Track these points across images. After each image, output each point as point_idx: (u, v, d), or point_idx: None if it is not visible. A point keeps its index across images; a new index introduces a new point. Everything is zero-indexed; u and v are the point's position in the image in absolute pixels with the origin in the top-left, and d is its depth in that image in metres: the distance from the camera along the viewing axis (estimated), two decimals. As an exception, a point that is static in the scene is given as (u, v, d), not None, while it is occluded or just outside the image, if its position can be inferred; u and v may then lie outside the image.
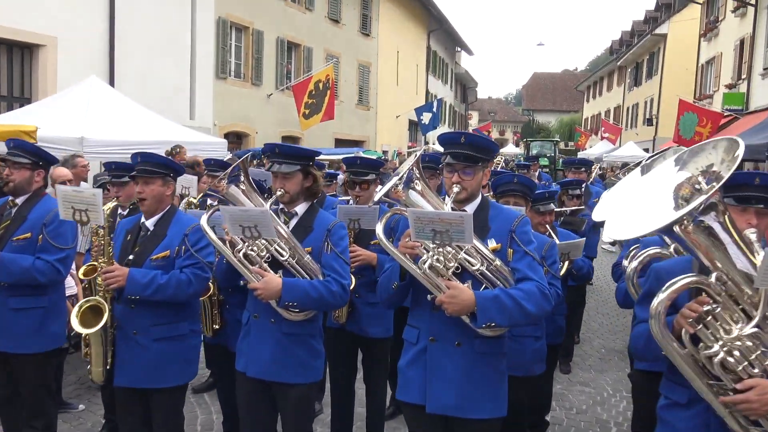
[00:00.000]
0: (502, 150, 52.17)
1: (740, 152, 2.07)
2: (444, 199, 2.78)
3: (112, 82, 14.07)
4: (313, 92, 19.24)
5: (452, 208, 2.76)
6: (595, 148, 37.77)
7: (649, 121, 34.07)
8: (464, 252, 2.68)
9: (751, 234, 2.09)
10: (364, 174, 4.17)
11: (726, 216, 2.10)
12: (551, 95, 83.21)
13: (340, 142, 24.33)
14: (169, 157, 4.12)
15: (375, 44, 26.92)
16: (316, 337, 3.32)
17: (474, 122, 70.34)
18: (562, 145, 58.57)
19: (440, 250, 2.62)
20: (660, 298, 2.13)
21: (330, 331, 4.05)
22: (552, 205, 4.58)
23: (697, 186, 2.18)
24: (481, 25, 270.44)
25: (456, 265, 2.66)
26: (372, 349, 4.24)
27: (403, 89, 30.66)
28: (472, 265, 2.67)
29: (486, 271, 2.71)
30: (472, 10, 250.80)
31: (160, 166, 3.46)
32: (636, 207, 2.30)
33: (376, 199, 2.90)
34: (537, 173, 11.86)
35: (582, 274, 4.92)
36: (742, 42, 21.60)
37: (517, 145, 52.02)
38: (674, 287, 2.13)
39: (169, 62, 15.79)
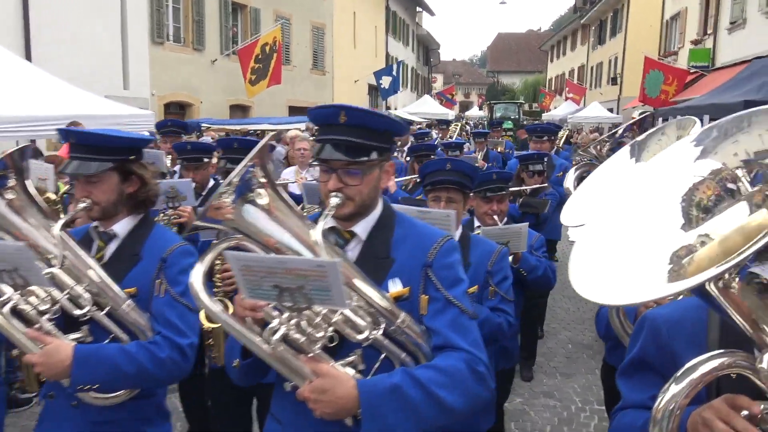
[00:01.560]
0: (467, 113, 51.14)
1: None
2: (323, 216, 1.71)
3: (28, 50, 12.66)
4: (260, 56, 17.93)
5: (330, 234, 1.84)
6: (559, 109, 37.13)
7: (613, 80, 33.39)
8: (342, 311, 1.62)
9: None
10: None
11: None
12: (515, 56, 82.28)
13: (294, 110, 23.02)
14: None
15: (330, 5, 25.44)
16: (153, 419, 2.25)
17: (439, 85, 69.10)
18: (526, 107, 58.08)
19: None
20: (673, 392, 1.19)
21: (215, 374, 3.06)
22: (503, 192, 3.63)
23: (733, 186, 1.24)
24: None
25: (330, 333, 1.61)
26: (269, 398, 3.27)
27: (362, 52, 29.31)
28: (358, 332, 1.62)
29: (382, 338, 1.68)
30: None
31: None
32: (629, 233, 1.32)
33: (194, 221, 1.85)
34: (502, 143, 10.88)
35: (535, 279, 3.69)
36: (708, -5, 20.83)
37: (480, 108, 51.05)
38: (698, 373, 1.19)
39: (96, 27, 14.29)
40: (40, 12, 12.68)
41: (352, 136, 1.74)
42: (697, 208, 1.28)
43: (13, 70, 9.19)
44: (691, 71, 19.89)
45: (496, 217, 3.63)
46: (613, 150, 3.77)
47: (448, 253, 1.81)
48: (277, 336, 1.55)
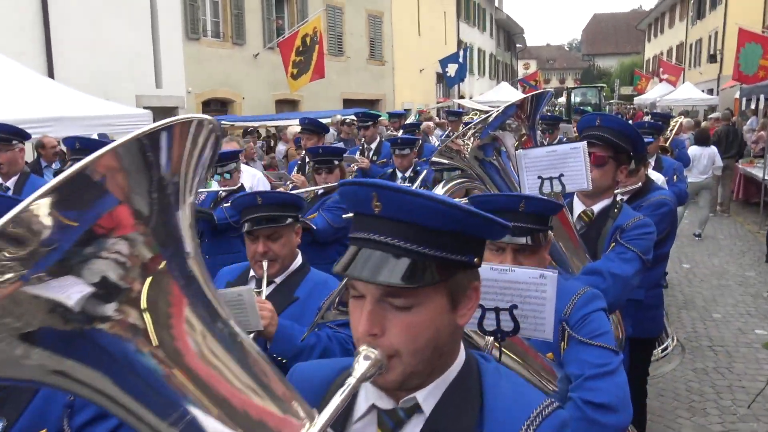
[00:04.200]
0: (560, 99, 48.08)
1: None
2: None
3: (48, 51, 12.44)
4: (301, 48, 17.06)
5: None
6: (651, 92, 33.94)
7: (712, 58, 29.98)
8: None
9: None
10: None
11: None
12: (613, 37, 77.55)
13: (349, 103, 22.07)
14: None
15: (387, -9, 24.29)
16: None
17: (531, 72, 66.33)
18: (623, 91, 54.19)
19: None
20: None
21: None
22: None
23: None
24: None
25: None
26: None
27: (427, 40, 27.88)
28: None
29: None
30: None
31: None
32: None
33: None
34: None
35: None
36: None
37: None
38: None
39: (123, 25, 13.96)
40: (59, 10, 12.42)
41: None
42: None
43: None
44: (796, 42, 17.00)
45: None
46: (483, 148, 2.43)
47: None
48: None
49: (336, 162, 4.36)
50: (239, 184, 4.72)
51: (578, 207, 2.71)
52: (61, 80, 12.10)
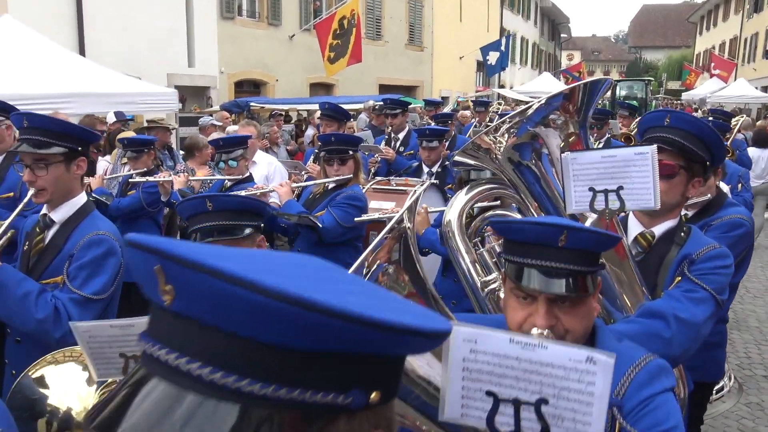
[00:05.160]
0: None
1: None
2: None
3: (80, 27, 12.22)
4: (338, 31, 16.57)
5: None
6: (701, 88, 32.54)
7: (769, 54, 28.48)
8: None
9: None
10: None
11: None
12: (662, 30, 75.08)
13: (385, 89, 21.49)
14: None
15: (429, -26, 23.56)
16: None
17: (575, 63, 64.80)
18: (671, 85, 52.27)
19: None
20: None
21: None
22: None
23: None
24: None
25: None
26: None
27: (468, 26, 27.06)
28: None
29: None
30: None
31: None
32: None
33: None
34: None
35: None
36: None
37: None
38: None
39: (157, 3, 13.66)
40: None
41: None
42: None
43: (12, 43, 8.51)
44: None
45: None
46: (519, 148, 1.92)
47: None
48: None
49: (350, 152, 3.87)
50: (248, 174, 4.28)
51: (634, 227, 2.16)
52: (92, 57, 11.88)
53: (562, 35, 53.29)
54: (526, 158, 1.95)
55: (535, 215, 2.08)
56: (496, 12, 30.66)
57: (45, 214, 2.40)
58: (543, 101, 1.89)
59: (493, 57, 25.67)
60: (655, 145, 1.76)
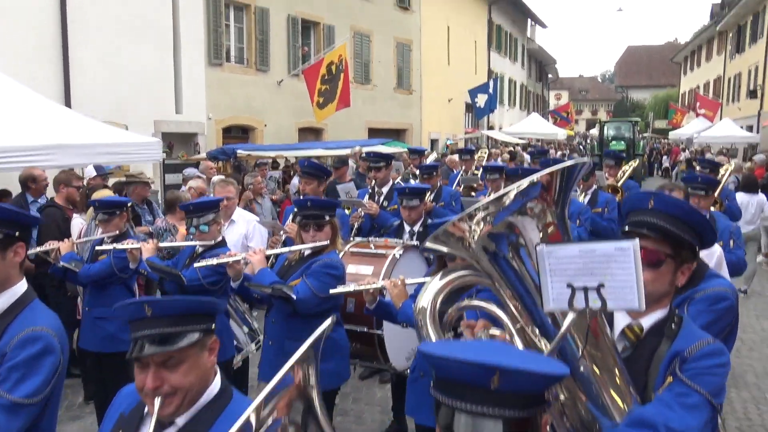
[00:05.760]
0: (591, 131, 46.75)
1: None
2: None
3: (66, 75, 12.16)
4: (326, 77, 16.68)
5: None
6: (687, 127, 33.00)
7: (752, 93, 28.89)
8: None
9: None
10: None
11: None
12: (646, 70, 76.58)
13: (375, 132, 21.58)
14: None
15: (416, 19, 23.85)
16: None
17: (563, 103, 65.80)
18: (658, 124, 52.85)
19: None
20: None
21: None
22: None
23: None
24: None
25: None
26: None
27: (457, 69, 27.37)
28: None
29: None
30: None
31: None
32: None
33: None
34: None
35: None
36: None
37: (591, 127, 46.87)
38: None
39: (146, 47, 13.68)
40: (78, 29, 12.14)
41: None
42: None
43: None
44: None
45: None
46: (495, 238, 1.77)
47: None
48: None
49: (327, 217, 3.71)
50: (220, 238, 4.12)
51: (621, 320, 2.00)
52: (78, 104, 11.82)
53: (549, 76, 54.11)
54: (503, 250, 1.80)
55: (511, 306, 1.93)
56: (483, 55, 31.08)
57: None
58: (520, 189, 1.74)
59: (481, 99, 25.91)
60: (636, 240, 1.61)
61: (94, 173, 7.40)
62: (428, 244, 1.97)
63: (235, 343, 4.56)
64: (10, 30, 11.13)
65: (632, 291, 1.62)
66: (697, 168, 6.96)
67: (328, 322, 1.46)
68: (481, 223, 1.82)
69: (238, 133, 17.09)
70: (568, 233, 1.83)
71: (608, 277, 1.64)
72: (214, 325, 1.80)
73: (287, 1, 17.71)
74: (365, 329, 4.33)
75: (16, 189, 7.32)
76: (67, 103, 11.80)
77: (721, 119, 30.10)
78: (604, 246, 1.66)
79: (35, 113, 8.63)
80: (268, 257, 3.82)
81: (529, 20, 39.62)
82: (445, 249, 1.98)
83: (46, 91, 10.90)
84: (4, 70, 9.47)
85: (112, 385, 4.51)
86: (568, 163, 1.80)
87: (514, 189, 1.75)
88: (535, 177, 1.73)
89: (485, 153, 13.30)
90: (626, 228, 2.01)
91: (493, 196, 1.78)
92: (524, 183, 1.75)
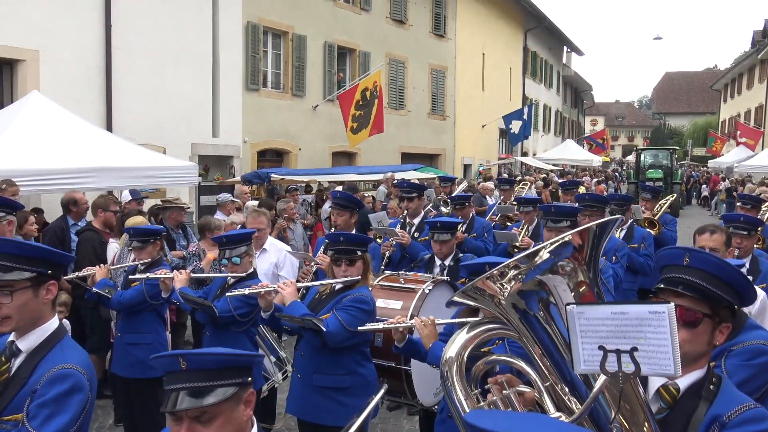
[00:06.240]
0: (628, 158, 45.67)
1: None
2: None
3: (109, 98, 12.54)
4: (360, 103, 16.86)
5: None
6: (727, 156, 32.27)
7: (796, 123, 28.16)
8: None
9: None
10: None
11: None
12: (685, 96, 75.46)
13: (407, 157, 21.65)
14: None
15: (452, 46, 24.00)
16: None
17: (599, 129, 65.26)
18: (696, 152, 51.84)
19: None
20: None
21: None
22: None
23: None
24: (598, 23, 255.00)
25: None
26: None
27: (491, 95, 27.39)
28: None
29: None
30: (579, 6, 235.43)
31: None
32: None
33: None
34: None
35: None
36: None
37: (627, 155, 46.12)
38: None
39: (185, 74, 14.06)
40: (122, 58, 12.56)
41: None
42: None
43: (37, 118, 8.69)
44: None
45: None
46: (525, 295, 1.75)
47: None
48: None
49: (359, 252, 3.72)
50: (251, 270, 4.15)
51: (656, 379, 1.95)
52: (119, 127, 12.18)
53: (584, 102, 53.74)
54: (533, 308, 1.77)
55: (540, 362, 1.89)
56: (518, 81, 31.04)
57: (12, 341, 2.26)
58: (552, 247, 1.72)
59: (516, 125, 25.85)
60: (672, 304, 1.57)
61: (130, 197, 7.56)
62: (457, 299, 1.96)
63: (262, 372, 4.58)
64: (58, 55, 11.55)
65: (667, 356, 1.57)
66: (738, 204, 6.79)
67: (380, 393, 1.46)
68: (512, 281, 1.81)
69: (272, 156, 17.33)
70: (600, 293, 1.80)
71: (642, 340, 1.60)
72: (250, 378, 1.77)
73: (325, 28, 18.01)
74: (393, 364, 4.30)
75: (58, 211, 7.53)
76: (109, 126, 12.13)
77: (762, 149, 29.39)
78: (637, 309, 1.62)
79: (78, 137, 8.90)
80: (299, 289, 3.84)
81: (565, 47, 39.50)
82: (471, 303, 1.96)
83: (89, 114, 11.28)
84: (50, 94, 9.84)
85: (140, 410, 4.58)
86: (601, 221, 1.77)
87: (546, 247, 1.73)
88: (567, 236, 1.70)
89: (525, 185, 13.19)
90: (661, 285, 1.96)
91: (523, 253, 1.76)
92: (555, 242, 1.73)
